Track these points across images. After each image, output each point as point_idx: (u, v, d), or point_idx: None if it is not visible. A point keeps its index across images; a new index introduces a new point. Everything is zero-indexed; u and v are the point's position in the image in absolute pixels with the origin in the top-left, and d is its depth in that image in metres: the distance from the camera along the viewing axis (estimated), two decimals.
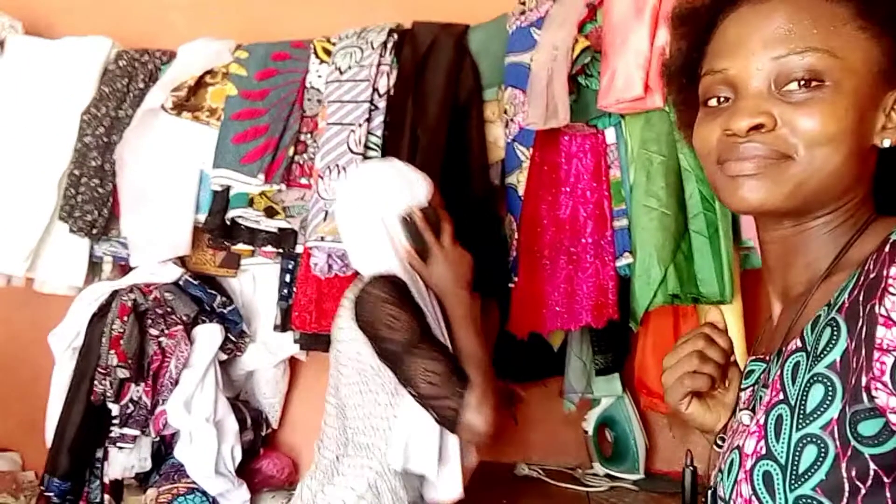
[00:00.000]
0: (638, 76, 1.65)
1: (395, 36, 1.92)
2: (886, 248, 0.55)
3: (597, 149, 1.78)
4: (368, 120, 1.86)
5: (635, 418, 1.95)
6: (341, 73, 1.88)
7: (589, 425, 1.95)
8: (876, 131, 0.64)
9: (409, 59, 1.88)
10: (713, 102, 0.69)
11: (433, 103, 1.84)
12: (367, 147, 1.85)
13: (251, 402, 2.17)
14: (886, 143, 0.64)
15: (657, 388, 1.79)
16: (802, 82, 0.62)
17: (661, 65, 0.86)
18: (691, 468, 1.89)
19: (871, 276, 0.56)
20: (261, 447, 2.15)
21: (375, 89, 1.87)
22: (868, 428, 0.53)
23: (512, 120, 1.82)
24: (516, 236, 1.81)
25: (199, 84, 1.99)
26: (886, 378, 0.52)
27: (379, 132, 1.87)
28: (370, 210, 1.40)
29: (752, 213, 0.69)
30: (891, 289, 0.53)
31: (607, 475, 1.98)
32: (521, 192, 1.81)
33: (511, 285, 1.81)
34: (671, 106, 1.71)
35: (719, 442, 0.76)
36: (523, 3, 1.84)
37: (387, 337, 1.27)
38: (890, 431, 0.53)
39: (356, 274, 1.88)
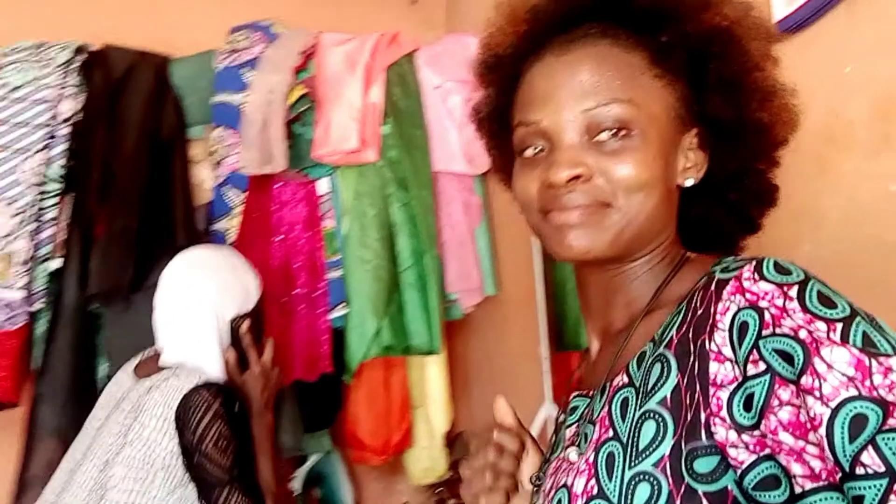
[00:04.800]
0: (353, 129, 1.67)
1: (83, 56, 1.69)
2: (713, 287, 0.57)
3: (310, 198, 1.74)
4: (47, 147, 1.59)
5: (343, 473, 1.91)
6: (13, 90, 1.59)
7: (296, 484, 1.85)
8: (679, 172, 0.67)
9: (100, 83, 1.66)
10: (529, 153, 0.68)
11: (130, 135, 1.64)
12: (45, 178, 1.59)
13: None
14: (689, 183, 0.68)
15: (368, 440, 1.78)
16: (612, 132, 0.63)
17: (471, 110, 0.83)
18: None
19: (699, 312, 0.58)
20: None
21: (56, 114, 1.61)
22: (704, 465, 0.53)
23: (221, 162, 1.70)
24: None
25: None
26: (724, 413, 0.52)
27: (61, 162, 1.61)
28: (208, 305, 1.32)
29: (578, 261, 0.68)
30: (719, 325, 0.54)
31: None
32: (230, 238, 1.69)
33: None
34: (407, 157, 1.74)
35: (536, 482, 0.73)
36: (233, 42, 1.75)
37: (213, 458, 1.21)
38: (724, 468, 0.53)
39: (25, 328, 1.59)
